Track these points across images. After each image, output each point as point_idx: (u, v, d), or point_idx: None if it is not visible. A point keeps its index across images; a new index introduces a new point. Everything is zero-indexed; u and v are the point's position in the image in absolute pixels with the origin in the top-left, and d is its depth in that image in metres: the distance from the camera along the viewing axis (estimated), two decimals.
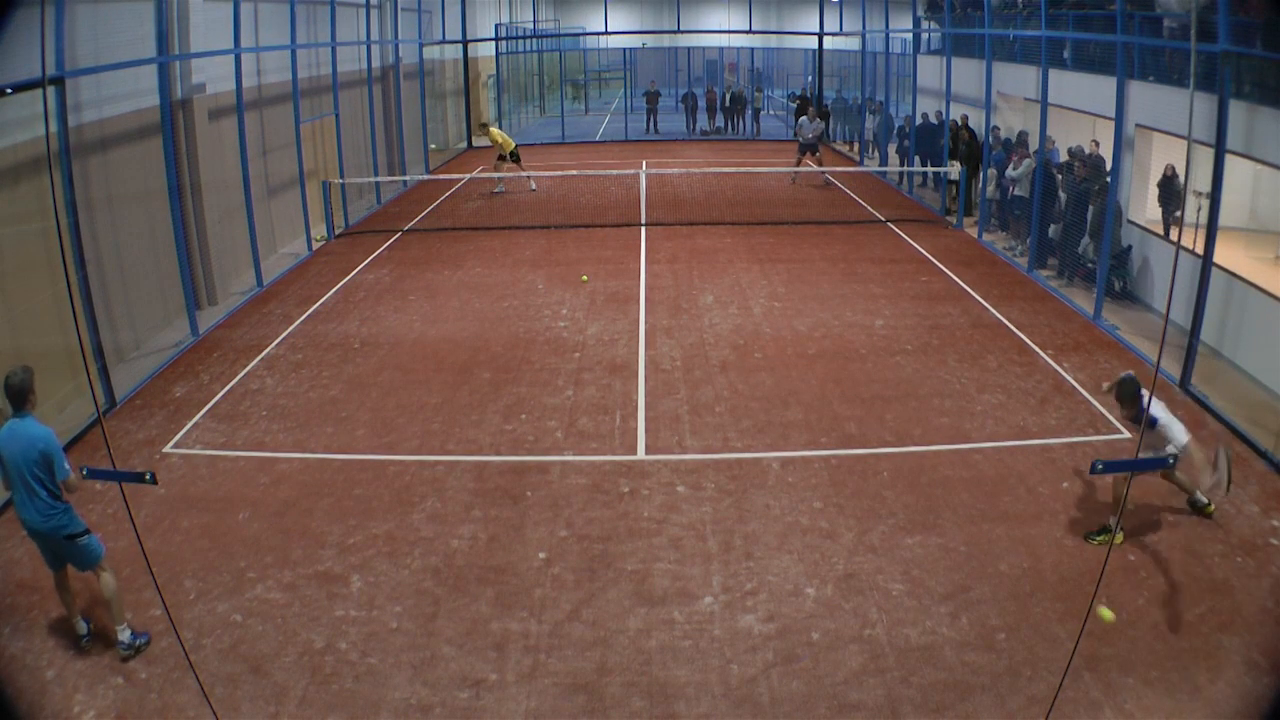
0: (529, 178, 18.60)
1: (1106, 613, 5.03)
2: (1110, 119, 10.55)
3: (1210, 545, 6.01)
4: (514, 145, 18.21)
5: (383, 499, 6.73)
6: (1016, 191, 13.40)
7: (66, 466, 4.94)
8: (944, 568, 5.82)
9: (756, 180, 19.20)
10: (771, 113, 32.38)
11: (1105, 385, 6.71)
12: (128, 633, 5.16)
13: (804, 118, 19.14)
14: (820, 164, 18.92)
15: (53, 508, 4.96)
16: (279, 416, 8.09)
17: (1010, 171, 13.47)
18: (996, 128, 14.68)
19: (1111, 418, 7.83)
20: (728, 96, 29.24)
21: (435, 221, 16.06)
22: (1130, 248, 11.04)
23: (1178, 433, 5.95)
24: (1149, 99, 10.38)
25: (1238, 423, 7.60)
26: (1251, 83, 8.61)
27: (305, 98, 14.28)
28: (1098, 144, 11.95)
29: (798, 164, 18.89)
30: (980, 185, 14.65)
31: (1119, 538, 6.12)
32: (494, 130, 18.38)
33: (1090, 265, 11.50)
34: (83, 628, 5.26)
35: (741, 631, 5.28)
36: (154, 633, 5.26)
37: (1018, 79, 14.71)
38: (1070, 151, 12.36)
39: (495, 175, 18.69)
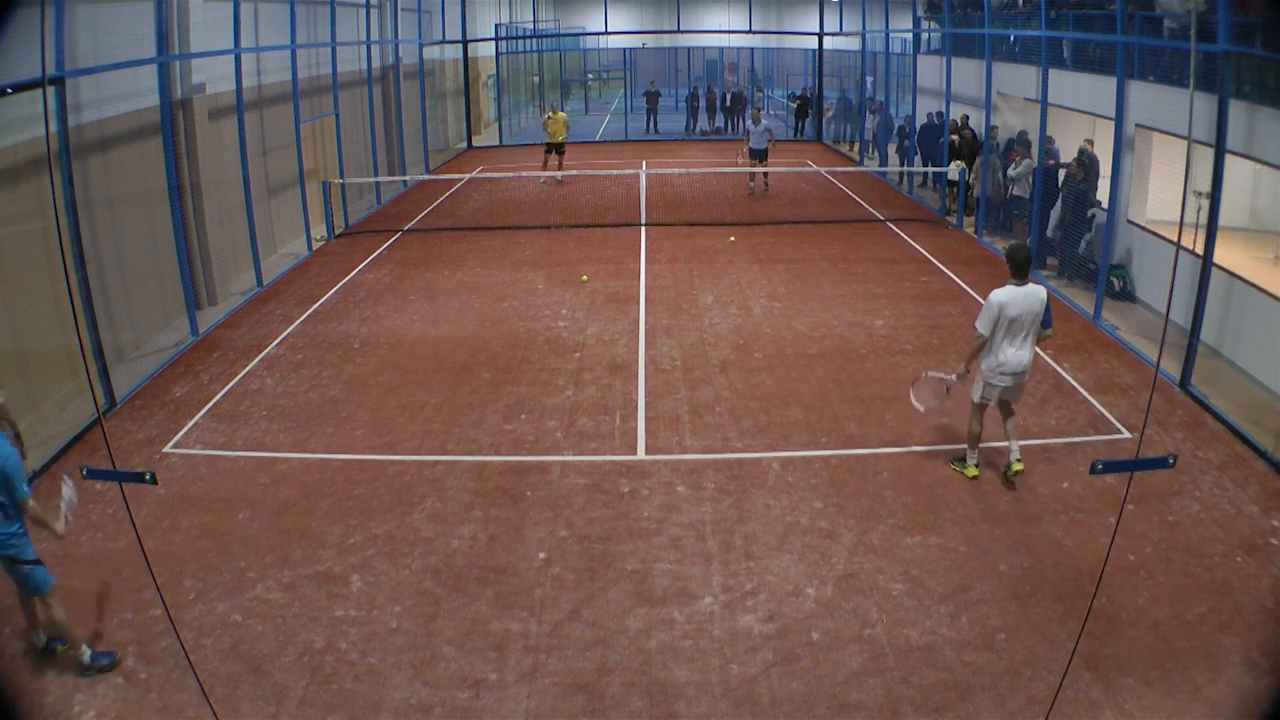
0: (549, 175, 19.01)
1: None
2: (1110, 119, 10.56)
3: (1210, 545, 6.00)
4: (563, 138, 18.95)
5: (383, 499, 6.73)
6: (1015, 191, 13.40)
7: (26, 489, 4.73)
8: (944, 568, 5.82)
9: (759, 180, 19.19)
10: (772, 113, 32.39)
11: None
12: (88, 654, 5.04)
13: (750, 120, 18.40)
14: (765, 176, 18.22)
15: (5, 528, 4.76)
16: (279, 416, 8.09)
17: (1010, 171, 13.47)
18: (995, 127, 14.68)
19: (1111, 417, 7.83)
20: (728, 97, 29.29)
21: (435, 221, 16.06)
22: (1093, 215, 11.14)
23: (982, 317, 6.41)
24: (1149, 99, 10.39)
25: (1238, 423, 7.60)
26: (1251, 83, 8.61)
27: (305, 98, 14.28)
28: (1052, 140, 11.91)
29: (751, 171, 18.16)
30: (981, 185, 14.63)
31: (972, 470, 6.82)
32: (561, 114, 18.92)
33: (1091, 266, 11.50)
34: (40, 640, 5.15)
35: (741, 631, 5.28)
36: (154, 633, 5.26)
37: (1018, 79, 14.71)
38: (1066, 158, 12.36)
39: (552, 173, 19.04)
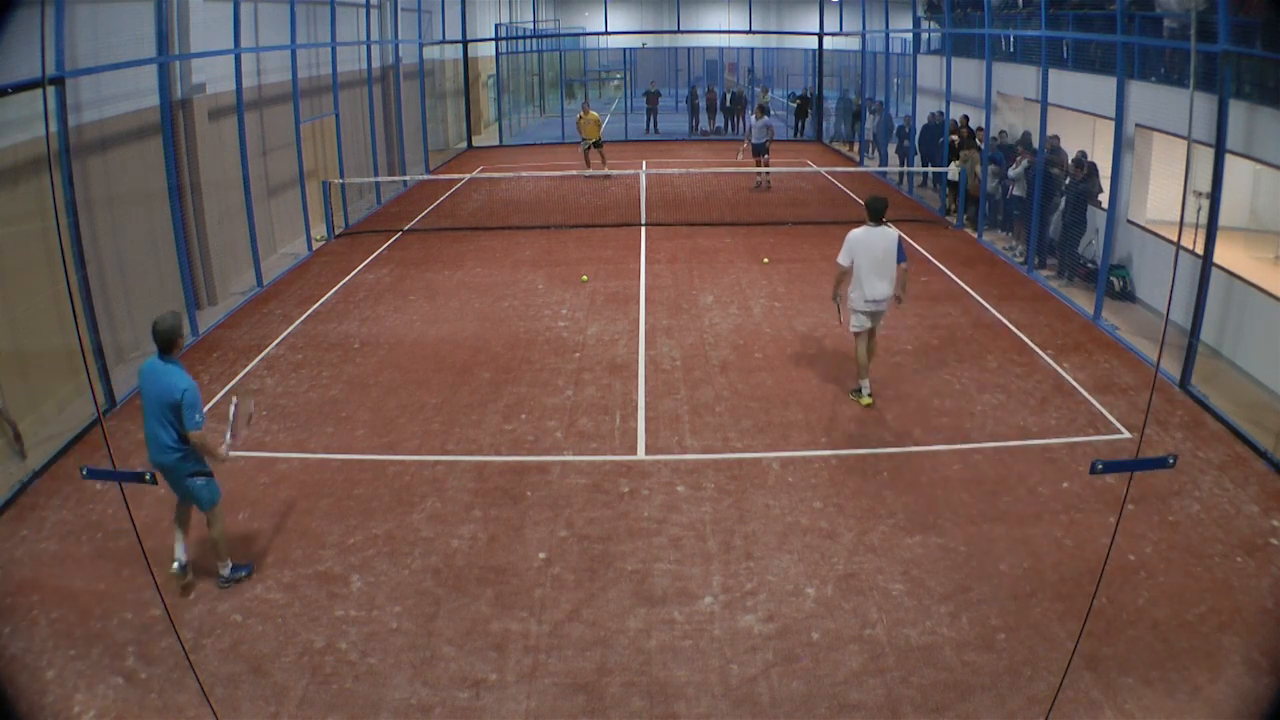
0: (595, 173, 19.29)
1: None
2: (1110, 119, 10.56)
3: (1210, 545, 6.00)
4: (598, 135, 19.69)
5: (383, 499, 6.73)
6: (1015, 191, 13.39)
7: (198, 418, 5.34)
8: (944, 568, 5.82)
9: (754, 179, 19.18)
10: (773, 112, 32.39)
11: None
12: (228, 568, 5.74)
13: (752, 117, 18.71)
14: (766, 167, 18.35)
15: (176, 449, 5.40)
16: (279, 416, 8.09)
17: (1010, 171, 13.45)
18: (1000, 132, 14.68)
19: (1111, 417, 7.83)
20: (728, 97, 29.30)
21: (435, 221, 16.07)
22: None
23: (842, 252, 7.76)
24: (1149, 99, 10.39)
25: (1238, 423, 7.60)
26: (1251, 83, 8.61)
27: (305, 98, 14.28)
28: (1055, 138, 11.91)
29: (756, 168, 18.29)
30: (981, 182, 14.63)
31: (866, 399, 8.06)
32: (593, 114, 19.69)
33: (1090, 265, 11.51)
34: (180, 558, 5.64)
35: (741, 631, 5.28)
36: (154, 633, 5.27)
37: (1018, 79, 14.71)
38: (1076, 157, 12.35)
39: (599, 171, 19.37)
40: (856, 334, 8.00)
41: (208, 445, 5.42)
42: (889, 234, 7.75)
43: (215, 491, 5.65)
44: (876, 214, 7.73)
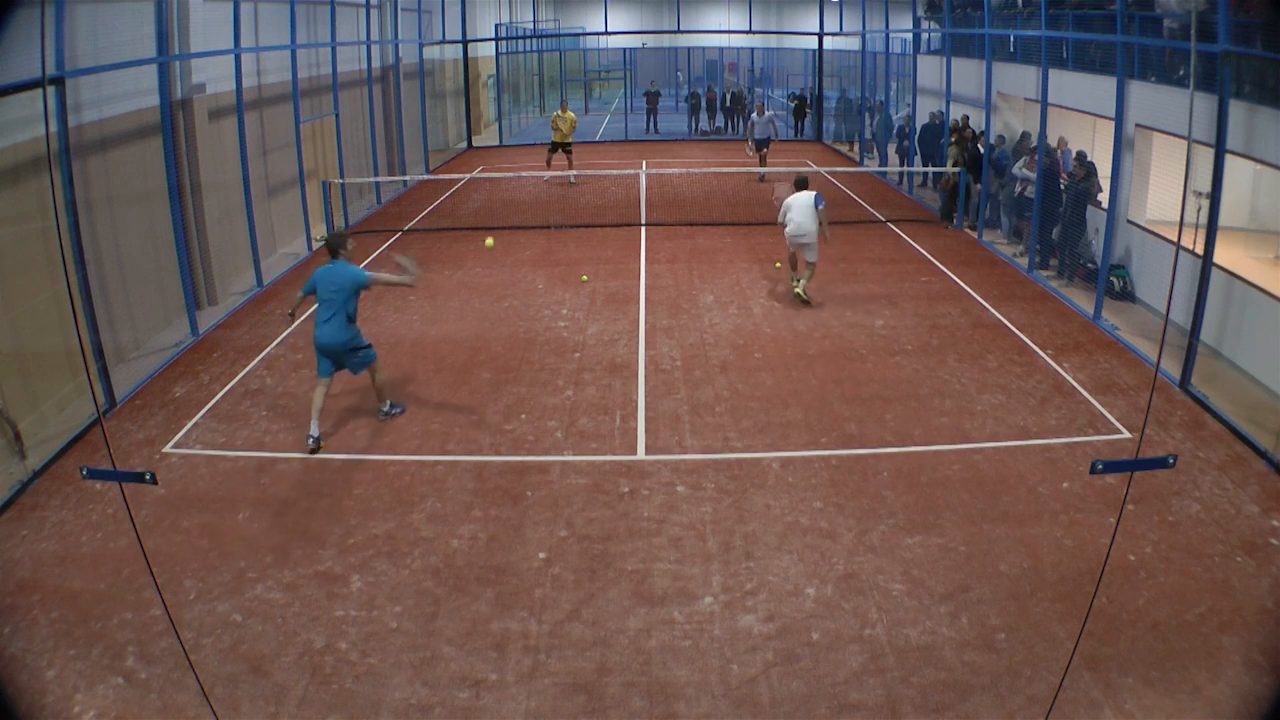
0: (556, 175, 19.09)
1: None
2: (1110, 119, 10.56)
3: (1210, 545, 6.00)
4: (569, 137, 18.82)
5: (383, 499, 6.73)
6: (1028, 193, 13.29)
7: (365, 277, 7.30)
8: (944, 568, 5.82)
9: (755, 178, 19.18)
10: (774, 112, 32.40)
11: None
12: (387, 405, 7.87)
13: (754, 114, 19.43)
14: (764, 163, 19.02)
15: (347, 329, 7.26)
16: (279, 416, 8.09)
17: (1024, 171, 13.28)
18: (1002, 137, 14.66)
19: (1111, 417, 7.83)
20: (728, 97, 29.31)
21: (435, 221, 16.07)
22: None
23: (781, 207, 10.90)
24: (1149, 99, 10.39)
25: (1238, 423, 7.60)
26: (1251, 83, 8.61)
27: (305, 98, 14.28)
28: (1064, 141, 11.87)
29: (759, 163, 19.03)
30: (981, 185, 14.62)
31: (799, 286, 10.88)
32: (570, 113, 18.96)
33: (1090, 265, 11.50)
34: (315, 430, 7.31)
35: (741, 631, 5.28)
36: (154, 633, 5.27)
37: (1018, 79, 14.71)
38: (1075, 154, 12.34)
39: (560, 173, 19.09)
40: (791, 250, 11.01)
41: (386, 278, 7.41)
42: (810, 194, 10.83)
43: (374, 354, 7.59)
44: (802, 185, 10.94)
